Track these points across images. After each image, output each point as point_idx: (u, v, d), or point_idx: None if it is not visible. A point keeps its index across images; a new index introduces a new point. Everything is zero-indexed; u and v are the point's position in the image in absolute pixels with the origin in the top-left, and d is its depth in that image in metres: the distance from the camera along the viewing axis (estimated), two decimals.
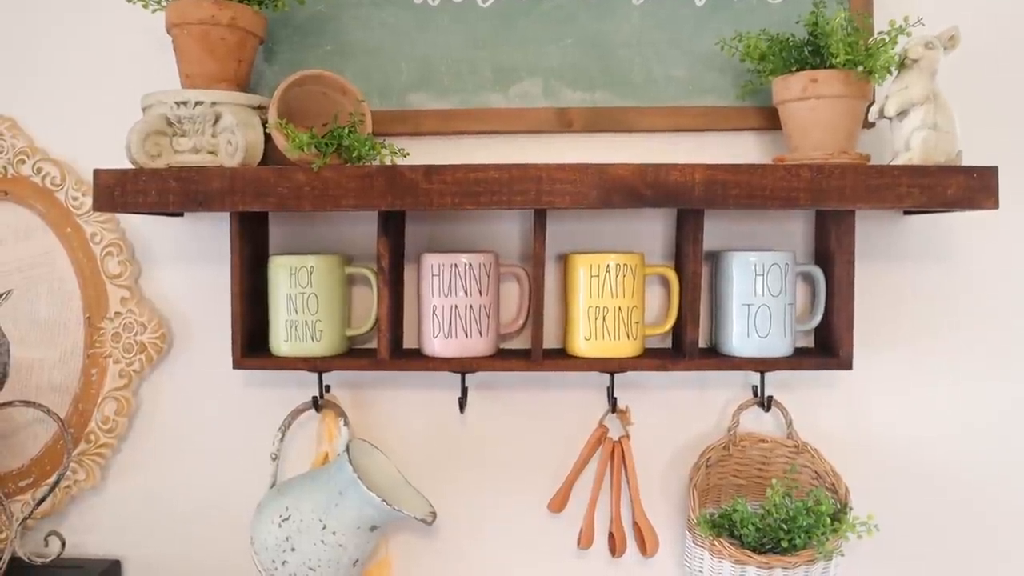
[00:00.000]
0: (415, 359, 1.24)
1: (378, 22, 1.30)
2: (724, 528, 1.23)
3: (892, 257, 1.31)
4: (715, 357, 1.25)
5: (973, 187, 1.11)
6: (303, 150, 1.13)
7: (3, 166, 1.34)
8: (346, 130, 1.16)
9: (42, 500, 1.29)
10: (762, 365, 1.24)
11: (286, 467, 1.33)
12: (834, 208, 1.14)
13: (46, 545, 1.31)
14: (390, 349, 1.22)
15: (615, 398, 1.29)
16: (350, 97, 1.21)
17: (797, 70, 1.18)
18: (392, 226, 1.22)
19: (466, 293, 1.22)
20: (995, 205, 1.12)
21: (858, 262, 1.23)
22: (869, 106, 1.19)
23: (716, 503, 1.31)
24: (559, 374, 1.32)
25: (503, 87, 1.30)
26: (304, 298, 1.23)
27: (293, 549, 1.18)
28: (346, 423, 1.30)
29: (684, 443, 1.33)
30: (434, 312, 1.22)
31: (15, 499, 1.34)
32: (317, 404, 1.30)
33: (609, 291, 1.21)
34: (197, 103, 1.15)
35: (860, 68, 1.13)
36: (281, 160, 1.18)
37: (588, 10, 1.29)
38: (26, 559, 1.28)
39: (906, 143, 1.14)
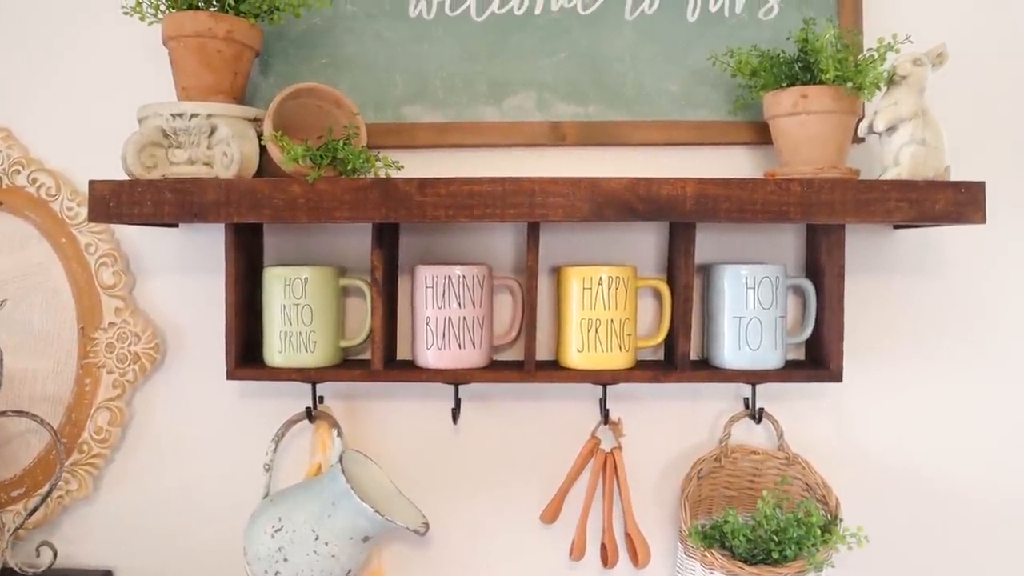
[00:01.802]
0: (408, 370, 1.25)
1: (373, 35, 1.31)
2: (715, 539, 1.24)
3: (882, 270, 1.33)
4: (707, 369, 1.26)
5: (961, 202, 1.12)
6: (298, 162, 1.13)
7: None
8: (341, 143, 1.16)
9: (34, 510, 1.29)
10: (753, 377, 1.24)
11: (279, 478, 1.33)
12: (824, 222, 1.15)
13: (38, 555, 1.31)
14: (384, 360, 1.23)
15: (607, 410, 1.30)
16: (345, 110, 1.21)
17: (788, 86, 1.19)
18: (386, 238, 1.23)
19: (459, 305, 1.22)
20: (983, 219, 1.13)
21: (848, 275, 1.24)
22: (858, 121, 1.20)
23: (707, 514, 1.31)
24: (552, 386, 1.33)
25: (497, 100, 1.31)
26: (298, 309, 1.23)
27: (286, 559, 1.18)
28: (339, 434, 1.30)
29: (676, 455, 1.34)
30: (427, 323, 1.23)
31: (7, 509, 1.34)
32: (311, 415, 1.30)
33: (602, 303, 1.22)
34: (193, 115, 1.16)
35: (849, 84, 1.15)
36: (276, 172, 1.19)
37: (581, 25, 1.30)
38: (17, 569, 1.28)
39: (895, 158, 1.16)
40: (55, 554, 1.30)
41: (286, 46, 1.31)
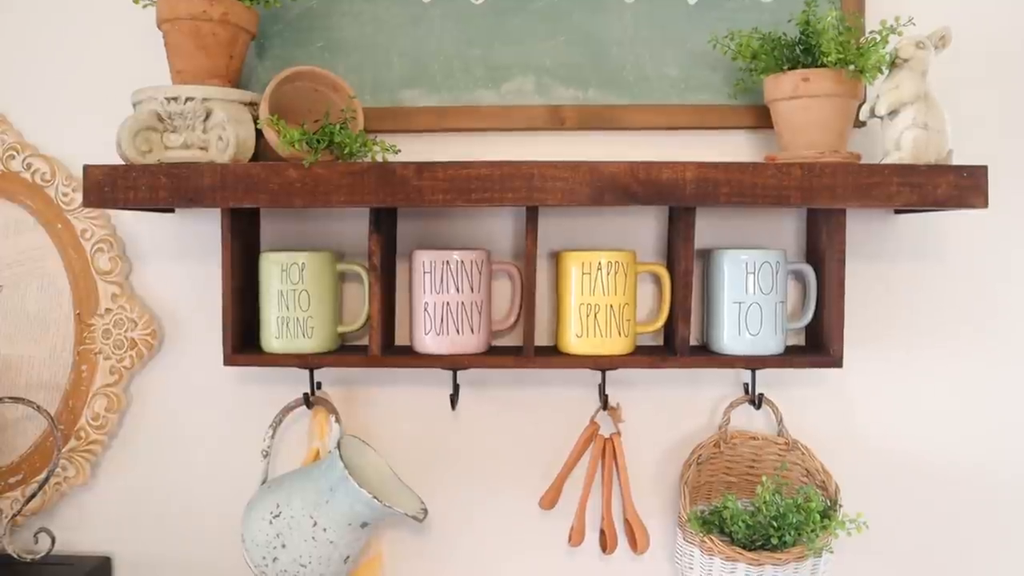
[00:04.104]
0: (406, 356, 1.24)
1: (370, 18, 1.30)
2: (714, 525, 1.24)
3: (883, 256, 1.32)
4: (706, 355, 1.25)
5: (963, 186, 1.12)
6: (294, 146, 1.12)
7: None
8: (337, 127, 1.15)
9: (32, 497, 1.29)
10: (753, 363, 1.24)
11: (277, 464, 1.33)
12: (825, 207, 1.14)
13: (36, 542, 1.31)
14: (381, 346, 1.22)
15: (606, 395, 1.29)
16: (342, 93, 1.20)
17: (789, 69, 1.18)
18: (384, 223, 1.22)
19: (458, 290, 1.22)
20: (984, 204, 1.12)
21: (849, 261, 1.23)
22: (860, 105, 1.19)
23: (707, 500, 1.31)
24: (551, 371, 1.32)
25: (495, 84, 1.30)
26: (295, 294, 1.22)
27: (284, 546, 1.18)
28: (337, 420, 1.30)
29: (675, 440, 1.34)
30: (426, 309, 1.22)
31: (4, 496, 1.33)
32: (308, 401, 1.30)
33: (601, 288, 1.21)
34: (188, 99, 1.15)
35: (851, 67, 1.13)
36: (272, 156, 1.18)
37: (581, 8, 1.29)
38: (16, 556, 1.28)
39: (896, 142, 1.15)
40: (53, 541, 1.30)
41: (282, 29, 1.30)
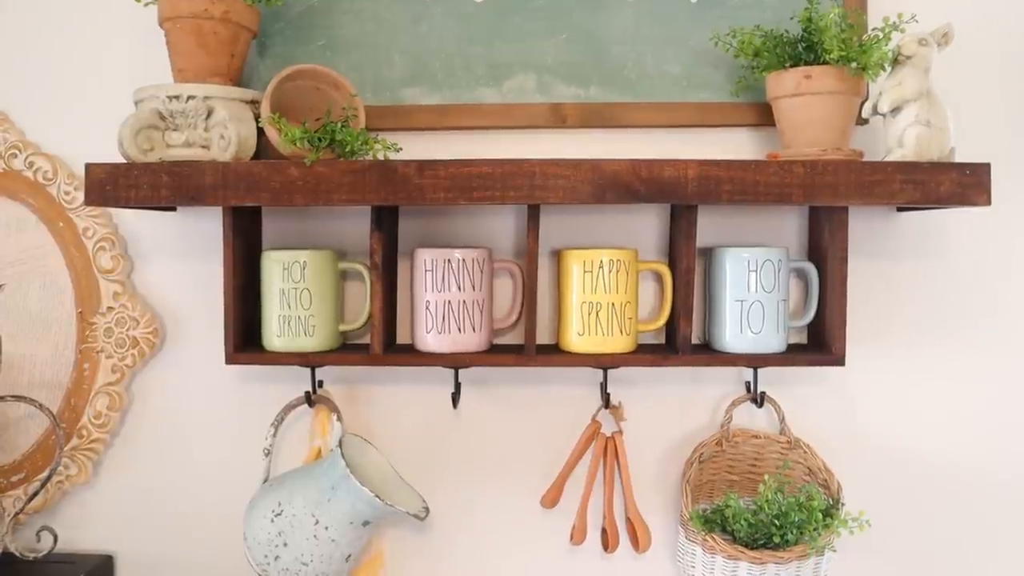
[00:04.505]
0: (408, 354, 1.24)
1: (371, 16, 1.30)
2: (717, 524, 1.23)
3: (885, 253, 1.32)
4: (708, 353, 1.25)
5: (966, 184, 1.11)
6: (296, 144, 1.12)
7: None
8: (339, 125, 1.15)
9: (34, 495, 1.29)
10: (755, 361, 1.24)
11: (279, 462, 1.33)
12: (827, 204, 1.14)
13: (38, 540, 1.31)
14: (383, 344, 1.22)
15: (608, 394, 1.29)
16: (343, 92, 1.20)
17: (791, 66, 1.18)
18: (385, 221, 1.22)
19: (459, 288, 1.22)
20: (988, 202, 1.12)
21: (851, 258, 1.23)
22: (862, 103, 1.19)
23: (709, 499, 1.31)
24: (552, 370, 1.32)
25: (497, 82, 1.29)
26: (297, 293, 1.22)
27: (285, 544, 1.18)
28: (339, 418, 1.30)
29: (677, 439, 1.33)
30: (427, 307, 1.22)
31: (7, 494, 1.34)
32: (310, 399, 1.30)
33: (603, 287, 1.21)
34: (190, 97, 1.15)
35: (854, 64, 1.13)
36: (274, 155, 1.18)
37: (582, 6, 1.29)
38: (18, 554, 1.28)
39: (899, 140, 1.14)
40: (55, 539, 1.30)
41: (283, 27, 1.30)
